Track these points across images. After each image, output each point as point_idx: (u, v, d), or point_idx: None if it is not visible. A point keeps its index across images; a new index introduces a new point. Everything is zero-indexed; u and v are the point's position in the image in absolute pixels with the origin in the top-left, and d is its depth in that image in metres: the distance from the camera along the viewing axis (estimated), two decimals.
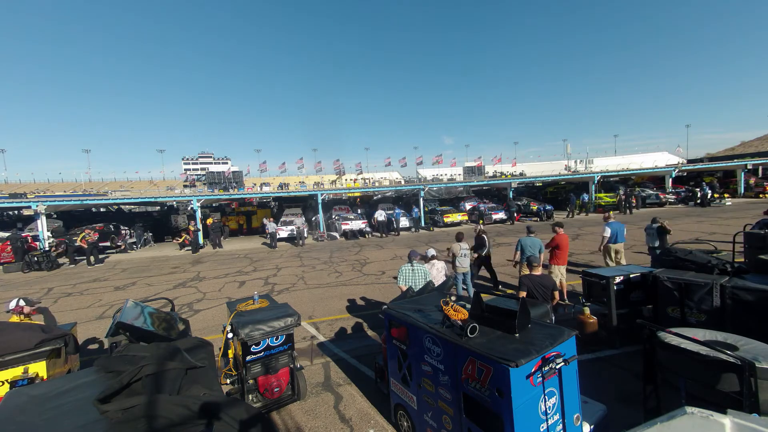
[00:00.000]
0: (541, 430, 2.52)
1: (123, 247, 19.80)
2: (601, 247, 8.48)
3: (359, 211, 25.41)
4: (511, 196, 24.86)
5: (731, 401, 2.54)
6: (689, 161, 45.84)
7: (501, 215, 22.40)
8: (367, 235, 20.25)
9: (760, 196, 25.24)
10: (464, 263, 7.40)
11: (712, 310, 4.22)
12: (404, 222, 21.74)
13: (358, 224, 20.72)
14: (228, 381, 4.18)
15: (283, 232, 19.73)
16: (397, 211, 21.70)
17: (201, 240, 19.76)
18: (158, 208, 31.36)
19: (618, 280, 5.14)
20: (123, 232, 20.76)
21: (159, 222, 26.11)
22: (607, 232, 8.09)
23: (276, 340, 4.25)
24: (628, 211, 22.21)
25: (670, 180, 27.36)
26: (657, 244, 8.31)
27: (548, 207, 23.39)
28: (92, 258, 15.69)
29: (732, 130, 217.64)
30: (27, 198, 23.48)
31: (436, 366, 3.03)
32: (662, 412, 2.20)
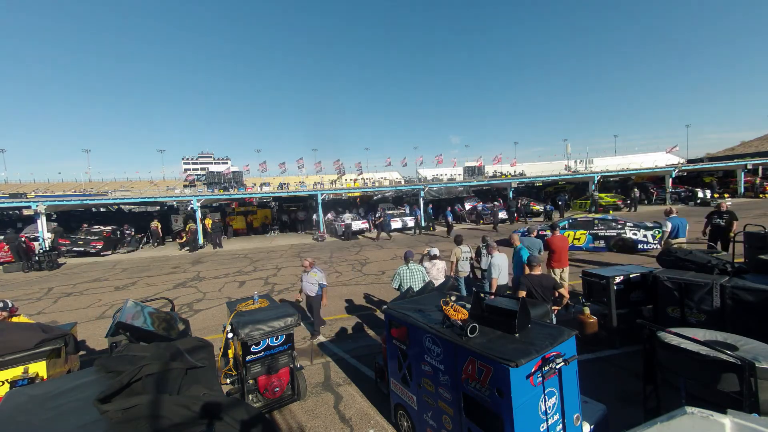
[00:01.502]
0: (541, 430, 2.52)
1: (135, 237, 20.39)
2: (663, 242, 8.33)
3: (360, 211, 25.54)
4: (511, 196, 24.86)
5: (731, 401, 2.54)
6: (689, 161, 45.81)
7: (501, 215, 22.41)
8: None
9: (761, 196, 25.25)
10: (465, 267, 7.13)
11: (712, 310, 4.22)
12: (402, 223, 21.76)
13: (359, 224, 20.73)
14: (228, 381, 4.18)
15: None
16: (417, 211, 21.88)
17: (201, 240, 19.77)
18: (158, 208, 31.34)
19: (618, 280, 5.15)
20: (127, 236, 20.82)
21: (159, 222, 26.05)
22: (668, 227, 7.95)
23: (276, 340, 4.25)
24: (632, 209, 22.88)
25: (670, 180, 27.35)
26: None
27: (549, 207, 23.46)
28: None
29: (732, 130, 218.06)
30: (27, 198, 23.48)
31: (436, 366, 3.02)
32: (662, 412, 2.20)
